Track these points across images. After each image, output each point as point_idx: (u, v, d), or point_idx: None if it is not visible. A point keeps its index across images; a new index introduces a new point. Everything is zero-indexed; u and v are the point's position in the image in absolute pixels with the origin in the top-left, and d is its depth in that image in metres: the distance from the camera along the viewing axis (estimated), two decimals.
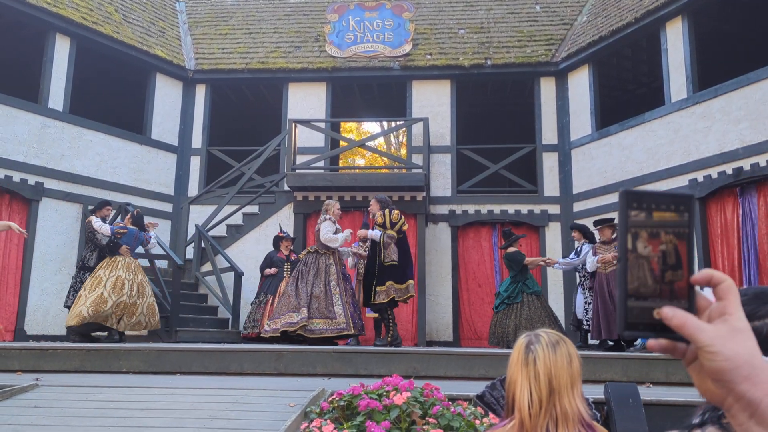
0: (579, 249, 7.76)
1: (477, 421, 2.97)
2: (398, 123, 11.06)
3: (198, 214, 10.01)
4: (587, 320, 7.34)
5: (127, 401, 3.44)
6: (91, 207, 9.21)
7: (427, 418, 2.96)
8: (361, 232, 7.12)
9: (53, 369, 4.72)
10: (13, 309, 8.35)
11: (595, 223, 7.54)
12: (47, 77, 9.11)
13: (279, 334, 6.50)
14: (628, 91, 11.65)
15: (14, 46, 10.04)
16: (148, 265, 8.59)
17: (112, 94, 11.26)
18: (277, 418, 3.11)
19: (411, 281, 6.78)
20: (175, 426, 2.97)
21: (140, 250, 7.93)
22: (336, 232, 6.97)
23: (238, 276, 8.86)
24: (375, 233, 6.80)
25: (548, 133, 10.41)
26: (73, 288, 7.74)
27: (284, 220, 9.61)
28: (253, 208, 9.91)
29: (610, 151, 9.50)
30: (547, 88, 10.52)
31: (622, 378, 4.76)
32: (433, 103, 10.49)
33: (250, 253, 9.54)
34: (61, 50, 9.29)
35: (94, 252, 7.76)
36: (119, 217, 8.88)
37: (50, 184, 8.95)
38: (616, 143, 9.42)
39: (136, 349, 4.96)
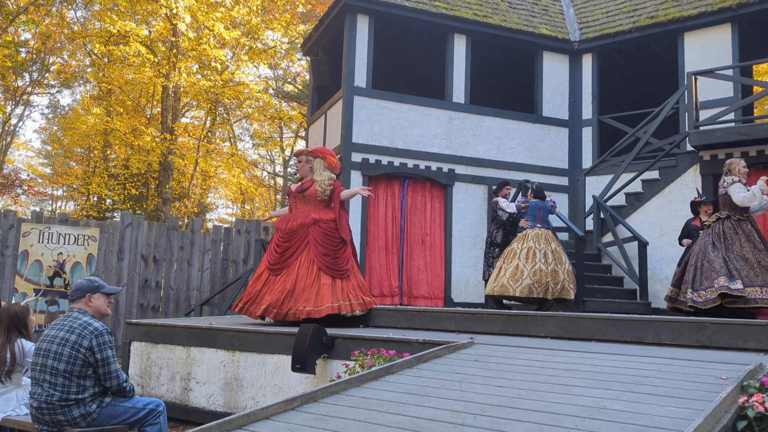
0: None
1: None
2: None
3: (594, 185, 9.96)
4: None
5: (550, 361, 3.68)
6: (494, 187, 10.08)
7: None
8: None
9: (481, 331, 5.33)
10: (441, 279, 9.72)
11: None
12: (450, 75, 10.27)
13: (717, 304, 6.01)
14: None
15: (421, 52, 11.59)
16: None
17: (503, 79, 12.03)
18: (709, 389, 2.92)
19: None
20: (599, 387, 3.06)
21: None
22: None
23: (642, 245, 8.52)
24: None
25: None
26: (486, 262, 8.58)
27: (689, 183, 8.84)
28: (653, 174, 9.37)
29: None
30: None
31: None
32: None
33: (653, 221, 9.07)
34: (459, 48, 10.33)
35: (500, 229, 8.50)
36: (519, 194, 9.51)
37: (460, 169, 10.08)
38: None
39: (552, 316, 5.24)
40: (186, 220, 19.96)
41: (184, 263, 9.67)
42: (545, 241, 7.48)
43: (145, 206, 20.36)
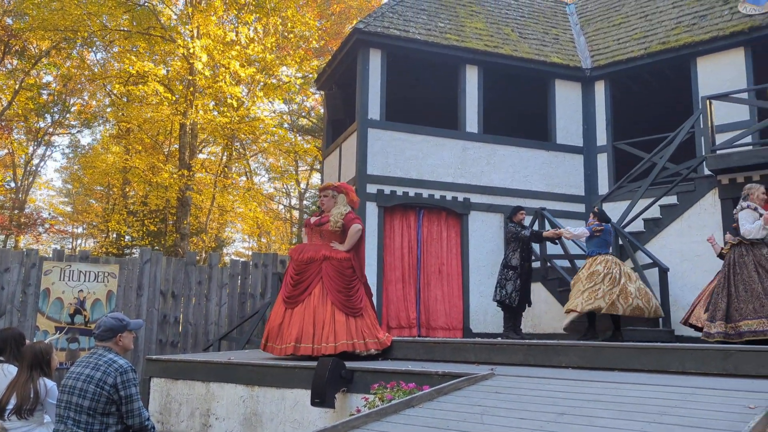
0: None
1: None
2: None
3: (611, 212, 9.84)
4: None
5: (572, 392, 3.62)
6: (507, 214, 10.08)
7: None
8: None
9: (501, 362, 5.27)
10: (459, 310, 9.65)
11: None
12: (463, 105, 10.34)
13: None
14: None
15: (433, 83, 11.71)
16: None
17: (516, 108, 12.08)
18: (736, 419, 2.85)
19: None
20: (623, 418, 3.00)
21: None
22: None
23: (663, 272, 8.43)
24: None
25: None
26: (499, 284, 8.48)
27: (708, 207, 8.75)
28: (671, 199, 9.30)
29: None
30: None
31: None
32: None
33: (673, 246, 8.96)
34: (471, 79, 10.43)
35: (516, 251, 8.45)
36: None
37: (475, 198, 10.09)
38: None
39: (573, 345, 5.17)
40: (204, 255, 20.10)
41: (202, 298, 9.70)
42: (614, 263, 7.51)
43: (163, 242, 20.55)
